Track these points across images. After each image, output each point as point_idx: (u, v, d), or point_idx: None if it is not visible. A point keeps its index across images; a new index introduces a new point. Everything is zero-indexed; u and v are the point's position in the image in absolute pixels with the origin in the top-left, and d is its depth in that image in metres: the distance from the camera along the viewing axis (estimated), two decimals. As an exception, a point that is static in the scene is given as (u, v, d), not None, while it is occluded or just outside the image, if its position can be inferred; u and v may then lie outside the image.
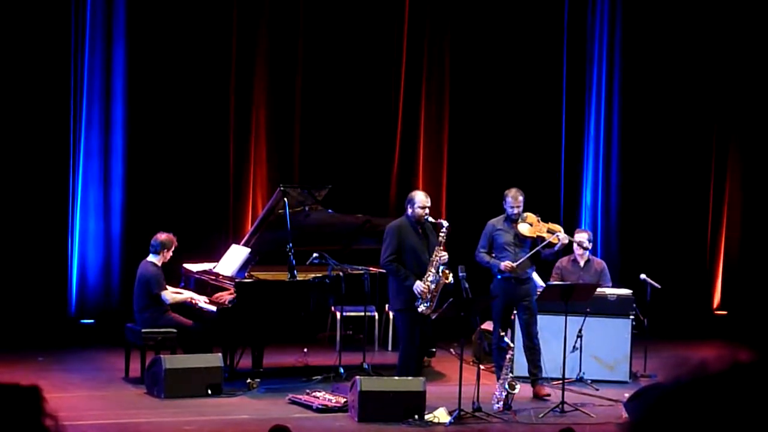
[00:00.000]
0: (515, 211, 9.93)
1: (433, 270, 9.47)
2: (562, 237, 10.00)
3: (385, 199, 13.36)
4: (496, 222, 10.09)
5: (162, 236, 10.50)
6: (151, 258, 10.48)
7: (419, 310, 9.43)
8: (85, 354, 11.75)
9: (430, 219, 9.65)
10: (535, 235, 9.98)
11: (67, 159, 12.35)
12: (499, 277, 10.10)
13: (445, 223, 9.60)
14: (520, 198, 9.96)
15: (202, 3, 12.83)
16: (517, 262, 9.88)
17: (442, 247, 9.52)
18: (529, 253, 9.97)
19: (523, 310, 10.10)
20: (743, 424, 1.76)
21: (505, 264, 9.87)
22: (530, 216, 10.03)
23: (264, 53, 13.04)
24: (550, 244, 9.96)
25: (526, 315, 10.11)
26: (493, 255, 10.04)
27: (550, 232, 10.00)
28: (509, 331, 10.23)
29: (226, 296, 10.42)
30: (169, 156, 12.68)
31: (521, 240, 9.98)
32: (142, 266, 10.49)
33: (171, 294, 10.44)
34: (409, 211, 9.67)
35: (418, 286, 9.43)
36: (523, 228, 9.94)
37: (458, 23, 13.73)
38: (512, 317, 10.23)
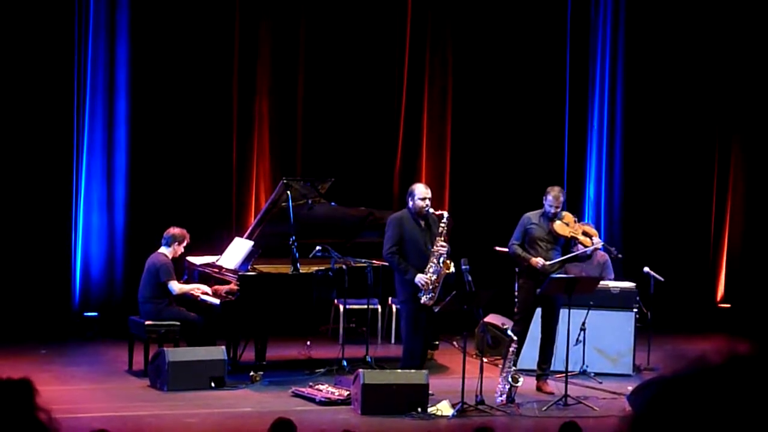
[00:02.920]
0: (553, 210, 9.92)
1: (434, 261, 9.48)
2: (596, 242, 10.04)
3: (388, 192, 13.35)
4: (533, 216, 10.07)
5: (175, 230, 10.56)
6: (162, 249, 10.53)
7: (422, 301, 9.44)
8: (89, 347, 11.77)
9: (431, 210, 9.64)
10: (569, 235, 9.99)
11: (70, 153, 12.35)
12: (516, 269, 10.14)
13: (446, 214, 9.61)
14: (562, 198, 9.96)
15: (205, -4, 12.84)
16: (550, 262, 9.86)
17: (443, 238, 9.52)
18: (564, 258, 9.95)
19: (547, 306, 10.10)
20: (742, 416, 1.76)
21: (536, 260, 9.85)
22: (567, 215, 10.05)
23: (267, 47, 13.03)
24: (584, 247, 10.01)
25: (549, 311, 10.10)
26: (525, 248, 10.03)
27: (586, 235, 10.03)
28: (512, 324, 10.25)
29: (222, 288, 10.43)
30: (172, 150, 12.68)
31: (554, 237, 9.98)
32: (152, 256, 10.53)
33: (178, 285, 10.47)
34: (410, 203, 9.68)
35: (420, 278, 9.44)
36: (559, 227, 9.94)
37: (462, 16, 13.71)
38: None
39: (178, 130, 12.70)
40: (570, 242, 10.11)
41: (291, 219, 10.46)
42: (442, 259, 9.47)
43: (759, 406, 1.75)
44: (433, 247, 9.53)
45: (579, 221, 10.30)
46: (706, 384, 1.78)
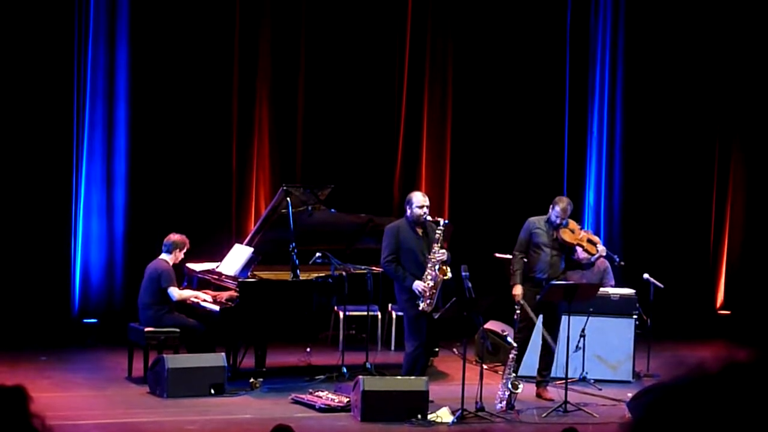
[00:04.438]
0: (559, 221, 9.96)
1: (431, 268, 9.45)
2: (601, 249, 10.12)
3: (387, 199, 13.35)
4: (537, 221, 10.09)
5: (175, 236, 10.56)
6: (163, 256, 10.52)
7: (420, 308, 9.42)
8: (88, 353, 11.76)
9: (429, 218, 9.63)
10: (575, 243, 10.04)
11: (70, 159, 12.35)
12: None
13: (442, 221, 9.58)
14: (569, 211, 10.00)
15: (204, 3, 12.83)
16: (531, 309, 9.89)
17: (439, 245, 9.51)
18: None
19: (549, 313, 10.09)
20: (741, 422, 1.76)
21: (515, 294, 9.87)
22: (572, 223, 10.11)
23: (267, 53, 13.04)
24: (588, 254, 10.12)
25: (551, 319, 10.10)
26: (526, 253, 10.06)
27: (590, 242, 10.10)
28: (512, 331, 10.26)
29: (223, 295, 10.43)
30: (172, 156, 12.68)
31: (560, 245, 10.01)
32: (154, 262, 10.53)
33: (178, 291, 10.46)
34: (408, 211, 9.65)
35: (418, 285, 9.42)
36: (566, 234, 10.00)
37: (461, 22, 13.72)
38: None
39: (178, 136, 12.70)
40: (572, 249, 10.15)
41: (291, 226, 10.46)
42: (438, 266, 9.45)
43: (756, 414, 1.75)
44: (429, 255, 9.52)
45: (581, 228, 10.36)
46: (705, 391, 1.79)
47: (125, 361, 10.56)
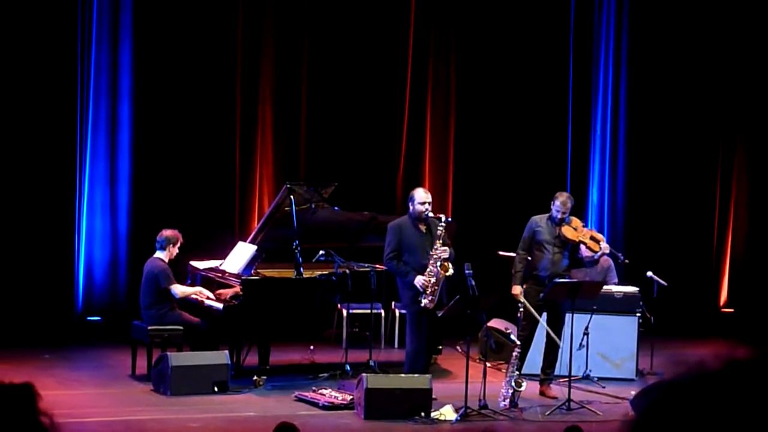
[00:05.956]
0: (560, 216, 9.96)
1: (433, 265, 9.47)
2: (604, 246, 10.13)
3: (391, 197, 13.34)
4: (539, 219, 10.11)
5: (167, 232, 10.55)
6: (158, 254, 10.52)
7: (422, 304, 9.43)
8: (92, 351, 11.78)
9: (431, 214, 9.64)
10: (577, 239, 10.03)
11: (73, 157, 12.35)
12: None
13: (443, 218, 9.60)
14: (569, 205, 9.98)
15: (208, 1, 12.84)
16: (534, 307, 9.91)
17: (441, 242, 9.52)
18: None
19: (553, 311, 10.09)
20: (742, 420, 1.77)
21: (513, 294, 9.86)
22: (575, 220, 10.11)
23: (270, 51, 13.04)
24: (591, 252, 10.16)
25: (554, 316, 10.10)
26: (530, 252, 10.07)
27: (593, 239, 10.10)
28: (516, 329, 10.26)
29: (228, 292, 10.43)
30: (176, 154, 12.68)
31: (562, 241, 10.01)
32: (149, 262, 10.52)
33: (180, 288, 10.46)
34: (411, 208, 9.69)
35: (419, 279, 9.46)
36: (568, 231, 10.00)
37: (465, 19, 13.71)
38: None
39: (181, 135, 12.71)
40: (576, 247, 10.14)
41: (294, 223, 10.46)
42: (439, 263, 9.46)
43: (757, 411, 1.75)
44: (432, 252, 9.52)
45: (585, 226, 10.36)
46: (705, 389, 1.79)
47: (129, 359, 10.58)
